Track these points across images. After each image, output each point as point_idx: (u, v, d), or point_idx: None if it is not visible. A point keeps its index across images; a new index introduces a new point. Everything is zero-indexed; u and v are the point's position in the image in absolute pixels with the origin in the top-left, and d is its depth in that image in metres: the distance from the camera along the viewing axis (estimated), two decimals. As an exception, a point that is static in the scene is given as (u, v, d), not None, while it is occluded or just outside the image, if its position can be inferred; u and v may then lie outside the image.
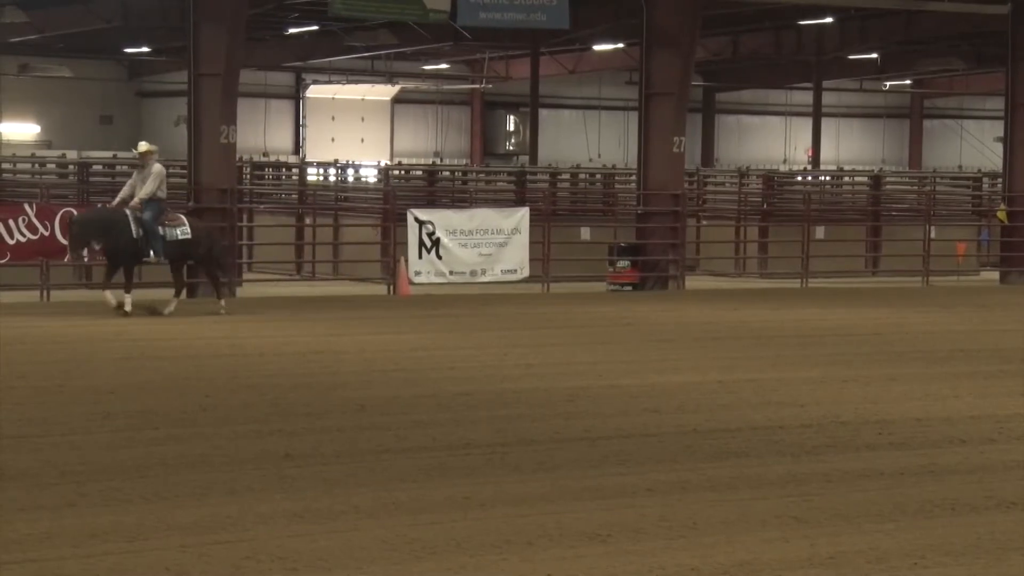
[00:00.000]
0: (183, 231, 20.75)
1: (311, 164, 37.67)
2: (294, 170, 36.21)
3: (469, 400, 13.40)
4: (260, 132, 46.86)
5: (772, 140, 54.65)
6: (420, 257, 25.34)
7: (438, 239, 25.44)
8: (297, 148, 48.55)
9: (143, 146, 20.97)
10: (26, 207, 22.77)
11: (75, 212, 21.86)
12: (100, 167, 31.18)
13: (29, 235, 22.47)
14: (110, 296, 20.20)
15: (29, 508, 8.90)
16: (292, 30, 40.19)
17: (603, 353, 17.21)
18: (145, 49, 43.16)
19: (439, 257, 25.48)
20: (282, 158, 44.00)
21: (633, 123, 31.31)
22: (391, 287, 25.30)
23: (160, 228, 20.48)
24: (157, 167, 20.75)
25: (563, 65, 46.38)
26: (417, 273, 25.31)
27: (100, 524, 8.52)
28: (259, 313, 21.64)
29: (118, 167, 32.38)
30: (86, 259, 21.72)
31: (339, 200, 30.93)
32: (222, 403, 13.08)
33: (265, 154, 44.86)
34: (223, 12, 24.06)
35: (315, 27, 39.23)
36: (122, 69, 46.95)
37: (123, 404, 12.86)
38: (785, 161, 53.63)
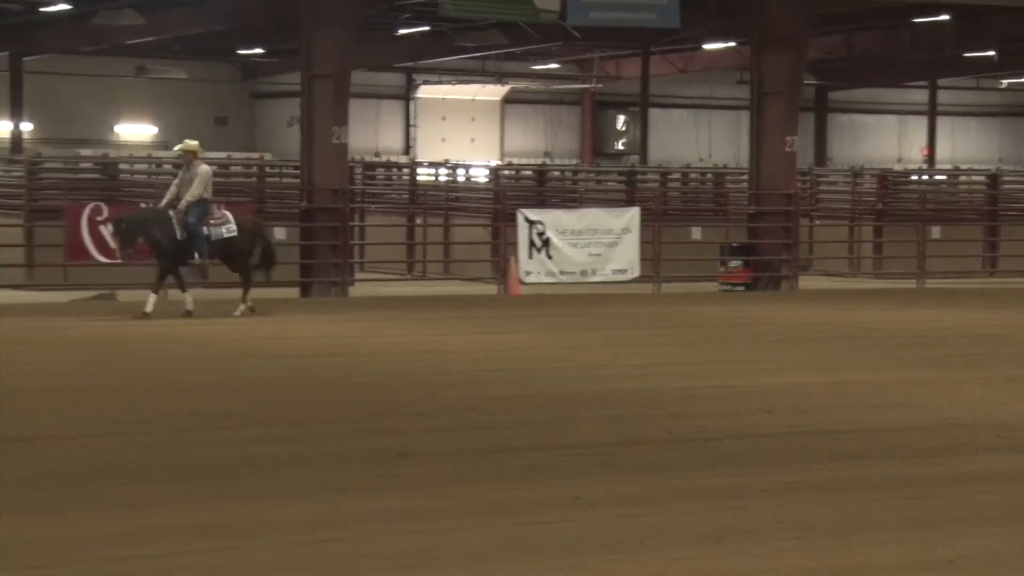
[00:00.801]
0: (228, 228, 20.19)
1: (422, 164, 37.81)
2: (405, 170, 36.37)
3: (578, 400, 13.37)
4: (371, 132, 47.11)
5: (886, 139, 54.03)
6: (530, 257, 25.34)
7: (548, 239, 25.42)
8: (407, 148, 48.76)
9: (189, 144, 20.39)
10: (142, 207, 23.04)
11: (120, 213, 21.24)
12: (215, 168, 31.45)
13: (146, 235, 22.71)
14: (153, 300, 19.73)
15: (142, 504, 8.99)
16: (403, 31, 40.39)
17: (714, 353, 17.10)
18: (259, 51, 43.59)
19: (549, 257, 25.46)
20: (393, 158, 44.20)
21: (744, 122, 31.15)
22: (501, 287, 25.33)
23: (205, 229, 19.96)
24: (204, 168, 20.28)
25: (673, 64, 46.18)
26: (527, 273, 25.31)
27: (214, 521, 8.58)
28: (371, 312, 21.77)
29: (232, 167, 32.73)
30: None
31: (449, 200, 31.02)
32: (336, 401, 13.16)
33: (377, 154, 45.10)
34: (336, 14, 24.22)
35: (426, 28, 39.39)
36: (236, 70, 47.46)
37: (236, 402, 12.98)
38: (899, 160, 53.00)
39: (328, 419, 12.30)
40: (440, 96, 48.62)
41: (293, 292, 24.14)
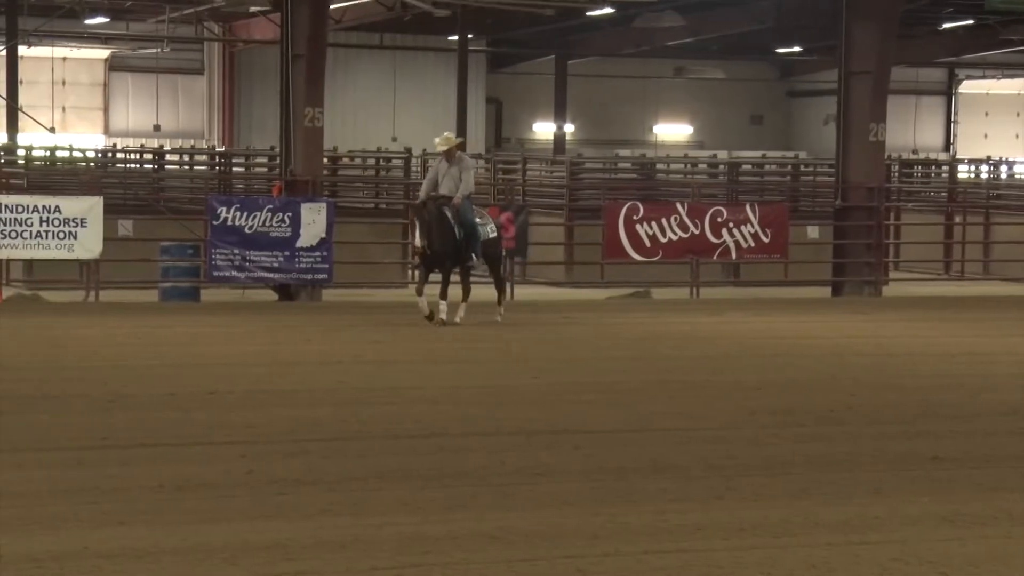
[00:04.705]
0: (492, 228, 18.70)
1: (961, 161, 36.82)
2: (943, 167, 35.54)
3: None
4: (909, 129, 46.20)
5: None
6: (1077, 257, 24.27)
7: (1097, 239, 24.28)
8: (947, 145, 47.58)
9: (452, 138, 18.57)
10: (678, 206, 23.47)
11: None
12: (749, 167, 31.69)
13: (680, 233, 23.15)
14: (424, 303, 18.01)
15: (681, 499, 9.14)
16: (946, 25, 39.40)
17: None
18: (796, 49, 43.49)
19: (1099, 257, 24.31)
20: (932, 155, 43.21)
21: None
22: (1045, 288, 24.39)
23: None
24: (470, 160, 18.94)
25: None
26: (1074, 274, 24.26)
27: (747, 518, 8.63)
28: (905, 312, 21.37)
29: (766, 166, 32.83)
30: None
31: (991, 198, 30.07)
32: (868, 402, 12.99)
33: (914, 151, 44.21)
34: (876, 9, 23.90)
35: (970, 21, 38.29)
36: (772, 69, 47.50)
37: (768, 401, 13.00)
38: None
39: (859, 419, 12.15)
40: (984, 91, 47.21)
41: (825, 291, 23.98)
